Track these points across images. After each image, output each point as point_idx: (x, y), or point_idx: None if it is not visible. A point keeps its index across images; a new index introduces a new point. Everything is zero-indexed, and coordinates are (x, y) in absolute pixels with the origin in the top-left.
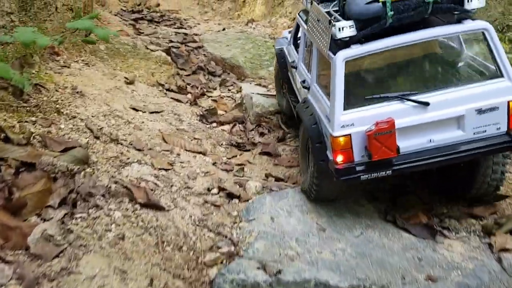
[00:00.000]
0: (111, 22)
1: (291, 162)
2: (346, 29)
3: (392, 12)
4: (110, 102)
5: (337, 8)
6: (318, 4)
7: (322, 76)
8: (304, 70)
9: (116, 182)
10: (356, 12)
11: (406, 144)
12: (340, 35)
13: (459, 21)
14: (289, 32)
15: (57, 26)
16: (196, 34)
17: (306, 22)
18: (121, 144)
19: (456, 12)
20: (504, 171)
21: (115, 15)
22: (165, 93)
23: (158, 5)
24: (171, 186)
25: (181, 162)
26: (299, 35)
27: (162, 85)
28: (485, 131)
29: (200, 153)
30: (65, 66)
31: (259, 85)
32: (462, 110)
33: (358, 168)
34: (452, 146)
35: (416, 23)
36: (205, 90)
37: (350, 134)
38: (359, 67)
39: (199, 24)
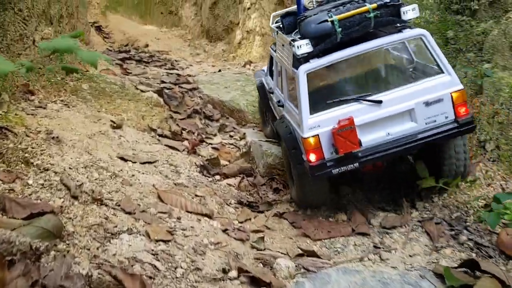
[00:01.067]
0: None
1: (319, 228)
2: (303, 46)
3: (340, 29)
4: (93, 150)
5: (297, 35)
6: (284, 34)
7: (291, 92)
8: (279, 92)
9: (99, 267)
10: (310, 32)
11: (367, 138)
12: (299, 51)
13: (400, 31)
14: (262, 70)
15: (34, 61)
16: (189, 75)
17: (275, 51)
18: (106, 206)
19: (396, 24)
20: (466, 158)
21: (102, 53)
22: (158, 140)
23: (147, 45)
24: (175, 268)
25: (183, 229)
26: (273, 67)
27: (154, 130)
28: (435, 120)
29: (205, 215)
30: (40, 107)
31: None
32: (411, 104)
33: (328, 164)
34: (408, 136)
35: (364, 36)
36: (203, 136)
37: (318, 134)
38: (319, 78)
39: (191, 65)
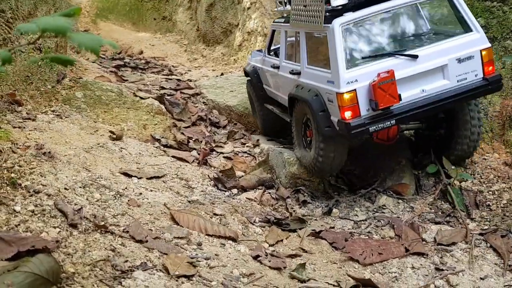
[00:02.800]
0: (89, 69)
1: (366, 250)
2: None
3: None
4: (92, 166)
5: None
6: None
7: (313, 56)
8: (291, 63)
9: None
10: None
11: (404, 94)
12: (335, 3)
13: None
14: (258, 50)
15: (20, 68)
16: (190, 80)
17: (285, 22)
18: (112, 234)
19: None
20: (480, 132)
21: (93, 62)
22: (164, 151)
23: (141, 52)
24: None
25: (206, 259)
26: (273, 45)
27: (158, 140)
28: (466, 78)
29: (229, 238)
30: (29, 119)
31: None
32: (445, 60)
33: (365, 122)
34: (441, 93)
35: None
36: (212, 144)
37: (355, 89)
38: (354, 33)
39: (190, 71)
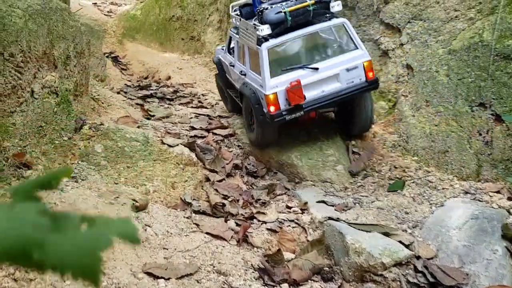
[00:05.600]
0: (112, 104)
1: None
2: (265, 29)
3: (290, 18)
4: (109, 263)
5: (256, 22)
6: (244, 17)
7: (254, 64)
8: (240, 65)
9: None
10: (269, 19)
11: (309, 94)
12: (262, 33)
13: (329, 19)
14: (221, 48)
15: (32, 118)
16: (221, 116)
17: (237, 33)
18: None
19: (327, 15)
20: (372, 110)
21: (118, 92)
22: (196, 224)
23: (169, 78)
24: None
25: None
26: (231, 46)
27: (189, 204)
28: (353, 81)
29: None
30: None
31: (325, 191)
32: (338, 70)
33: (283, 113)
34: (336, 92)
35: (305, 23)
36: (252, 208)
37: (276, 92)
38: (275, 52)
39: (221, 100)
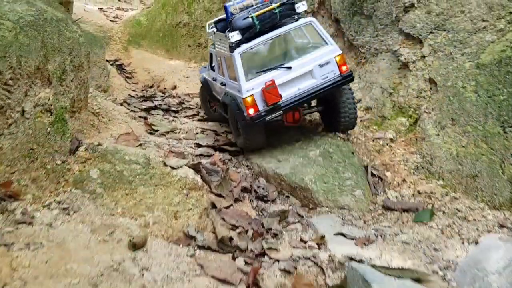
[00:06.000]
0: (114, 118)
1: None
2: (235, 35)
3: (258, 22)
4: None
5: (228, 32)
6: (219, 32)
7: (231, 72)
8: (221, 77)
9: None
10: (238, 25)
11: (285, 93)
12: (233, 39)
13: (296, 20)
14: (204, 66)
15: (23, 140)
16: (228, 131)
17: (214, 48)
18: None
19: (294, 16)
20: (355, 108)
21: (121, 104)
22: (200, 265)
23: (175, 87)
24: None
25: None
26: (213, 63)
27: (193, 238)
28: (327, 76)
29: None
30: (24, 222)
31: (342, 219)
32: (311, 67)
33: (262, 114)
34: (312, 88)
35: (273, 26)
36: (262, 242)
37: (253, 94)
38: (248, 56)
39: None
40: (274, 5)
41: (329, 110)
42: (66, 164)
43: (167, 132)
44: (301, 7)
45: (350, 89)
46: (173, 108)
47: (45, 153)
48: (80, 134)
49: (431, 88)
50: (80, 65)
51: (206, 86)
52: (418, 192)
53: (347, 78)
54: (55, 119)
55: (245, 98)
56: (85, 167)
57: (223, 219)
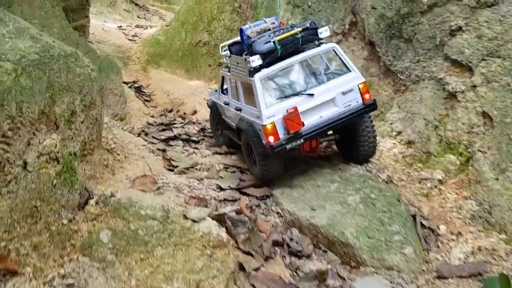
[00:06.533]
0: (130, 154)
1: None
2: (256, 60)
3: (279, 46)
4: None
5: (247, 56)
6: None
7: (247, 98)
8: (235, 101)
9: None
10: (259, 50)
11: (307, 121)
12: (254, 64)
13: (319, 45)
14: (214, 90)
15: (24, 198)
16: None
17: (229, 71)
18: None
19: (315, 42)
20: (375, 136)
21: (139, 134)
22: None
23: (195, 112)
24: None
25: None
26: (225, 86)
27: None
28: (350, 104)
29: None
30: None
31: (391, 281)
32: (333, 94)
33: (283, 142)
34: (334, 117)
35: (295, 51)
36: None
37: (273, 122)
38: (269, 82)
39: None
40: (296, 30)
41: (347, 138)
42: (73, 223)
43: (187, 169)
44: (324, 32)
45: (370, 117)
46: (193, 138)
47: (49, 210)
48: (91, 181)
49: (485, 123)
50: (92, 103)
51: (214, 111)
52: (478, 248)
53: (370, 106)
54: (62, 168)
55: (265, 125)
56: (94, 226)
57: (253, 286)
